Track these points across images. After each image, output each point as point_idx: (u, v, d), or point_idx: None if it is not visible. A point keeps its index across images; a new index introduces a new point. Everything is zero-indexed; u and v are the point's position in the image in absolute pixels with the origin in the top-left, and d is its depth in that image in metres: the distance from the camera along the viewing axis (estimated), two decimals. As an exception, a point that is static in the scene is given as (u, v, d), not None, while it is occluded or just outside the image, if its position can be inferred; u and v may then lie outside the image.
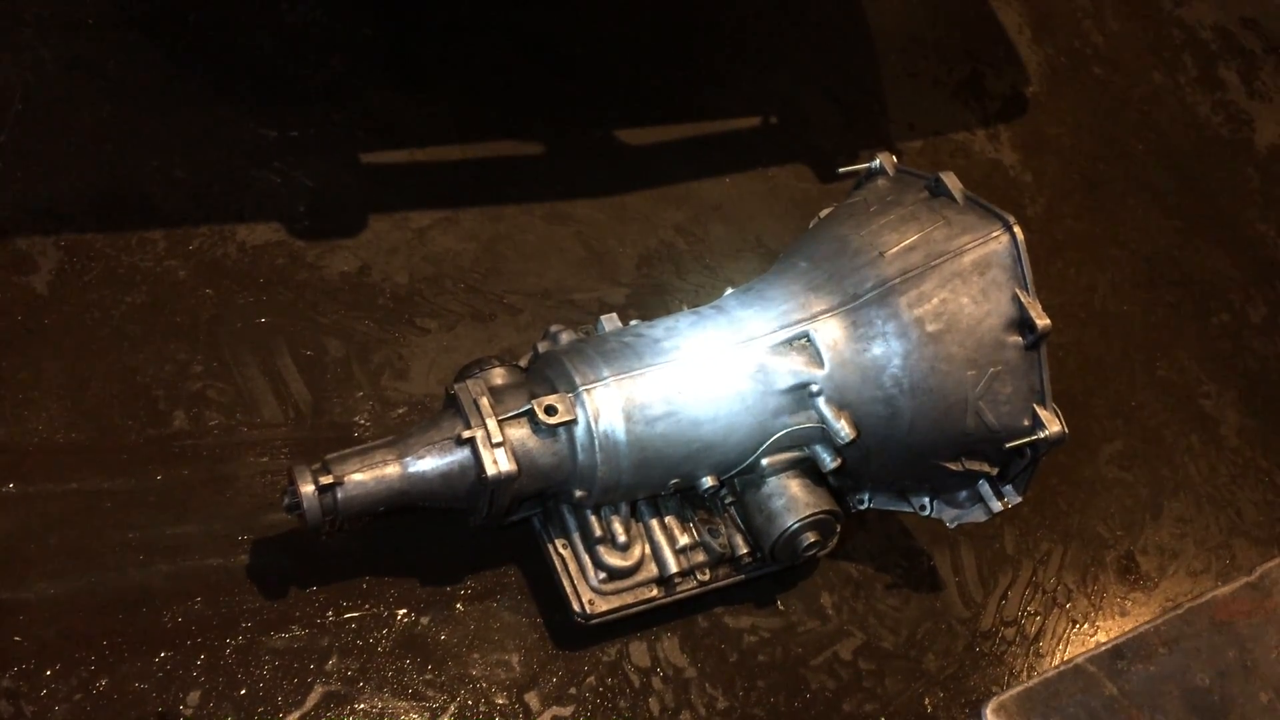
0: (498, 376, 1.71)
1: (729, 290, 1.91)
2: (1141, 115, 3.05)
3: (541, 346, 1.80)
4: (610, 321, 1.81)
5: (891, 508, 1.93)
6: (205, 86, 2.15)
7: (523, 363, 1.83)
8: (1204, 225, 2.85)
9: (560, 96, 2.43)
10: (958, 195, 1.79)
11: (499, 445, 1.57)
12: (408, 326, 1.99)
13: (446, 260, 2.10)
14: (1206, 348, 2.59)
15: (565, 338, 1.79)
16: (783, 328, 1.72)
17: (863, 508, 1.93)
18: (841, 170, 1.97)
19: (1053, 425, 1.71)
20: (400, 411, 1.89)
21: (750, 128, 2.59)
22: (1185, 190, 2.91)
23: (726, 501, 1.79)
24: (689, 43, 2.68)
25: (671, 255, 2.28)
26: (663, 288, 2.22)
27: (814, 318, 1.72)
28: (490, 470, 1.55)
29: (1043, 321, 1.68)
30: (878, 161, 1.95)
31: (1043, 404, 1.72)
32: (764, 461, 1.74)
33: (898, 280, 1.70)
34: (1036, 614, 2.05)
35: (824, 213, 1.99)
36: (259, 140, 2.11)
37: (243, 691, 1.57)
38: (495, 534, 1.76)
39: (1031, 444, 1.72)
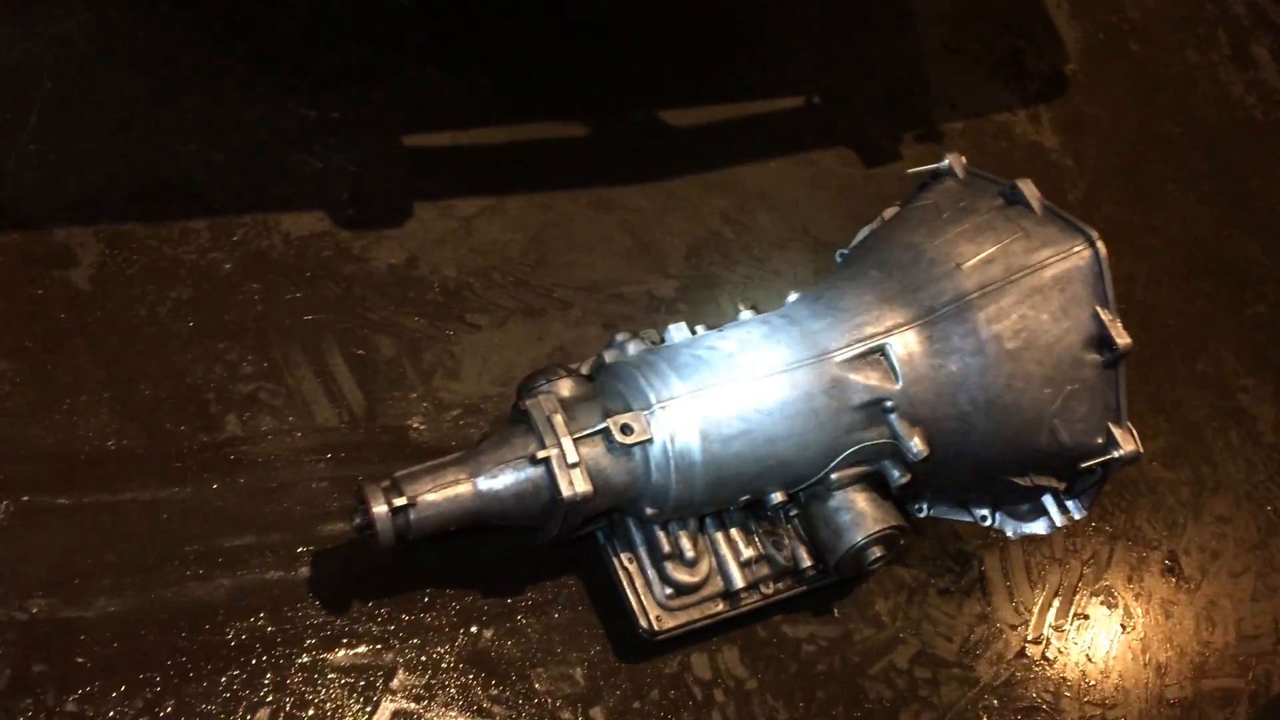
0: (565, 388, 1.66)
1: (793, 295, 1.87)
2: (1177, 96, 3.00)
3: (608, 356, 1.75)
4: (679, 331, 1.76)
5: (951, 516, 1.91)
6: (240, 63, 2.06)
7: (584, 369, 1.79)
8: (1238, 212, 2.82)
9: (603, 75, 2.35)
10: (1035, 204, 1.75)
11: (574, 466, 1.52)
12: (458, 323, 1.93)
13: (494, 251, 2.03)
14: (1244, 340, 2.58)
15: (633, 348, 1.74)
16: (857, 342, 1.68)
17: (921, 515, 1.91)
18: (910, 171, 1.92)
19: (1127, 444, 1.69)
20: (454, 414, 1.84)
21: (793, 108, 2.52)
22: (1220, 175, 2.88)
23: (791, 514, 1.77)
24: (731, 20, 2.59)
25: (719, 245, 2.22)
26: (711, 280, 2.17)
27: (889, 332, 1.68)
28: (566, 492, 1.51)
29: (1123, 340, 1.65)
30: (947, 162, 1.90)
31: (1118, 422, 1.70)
32: (832, 476, 1.71)
33: (976, 295, 1.66)
34: (1086, 618, 2.04)
35: (888, 213, 1.94)
36: (299, 121, 2.03)
37: (311, 712, 1.53)
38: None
39: (1104, 463, 1.70)
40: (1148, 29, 3.09)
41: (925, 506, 1.91)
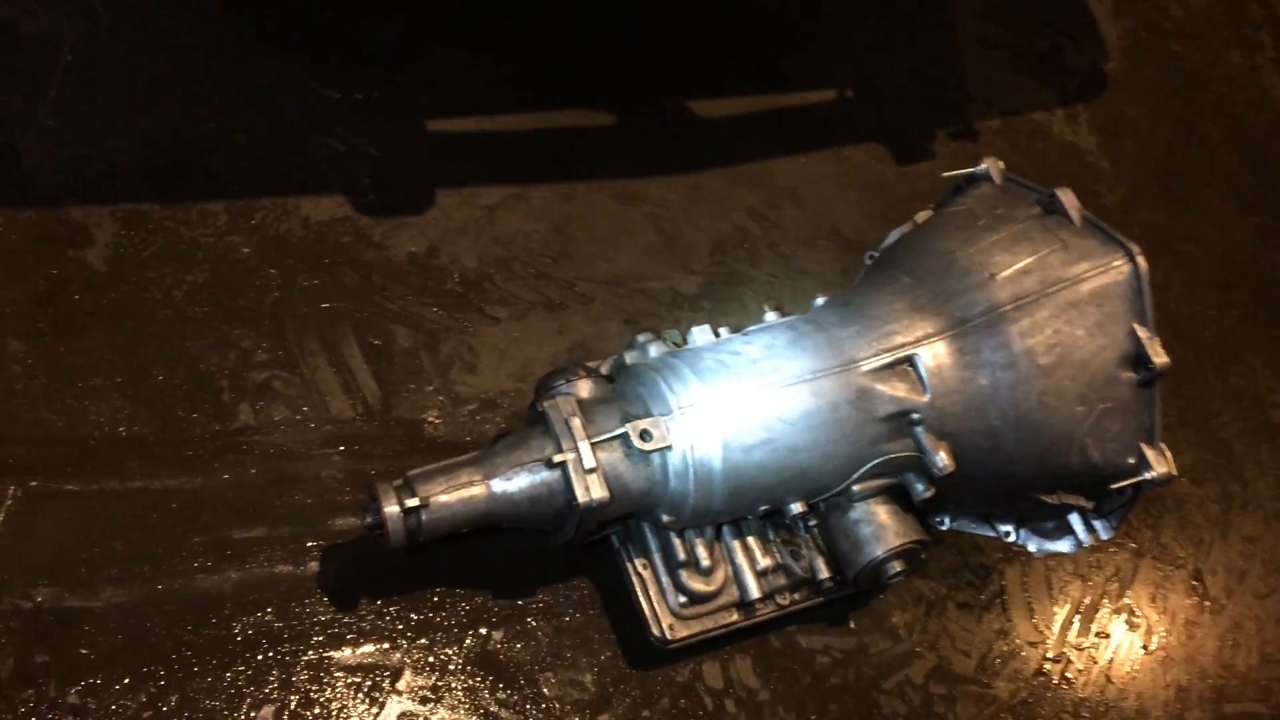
0: (584, 389, 1.62)
1: (819, 299, 1.82)
2: (1219, 98, 2.93)
3: (629, 357, 1.71)
4: (702, 334, 1.72)
5: (973, 530, 1.87)
6: (263, 39, 2.02)
7: (604, 369, 1.75)
8: (1279, 222, 2.76)
9: (632, 62, 2.30)
10: (1075, 215, 1.70)
11: (591, 471, 1.49)
12: (477, 314, 1.90)
13: (516, 242, 1.99)
14: (1279, 354, 2.52)
15: (654, 350, 1.70)
16: (885, 351, 1.63)
17: (943, 528, 1.87)
18: (945, 175, 1.87)
19: (1160, 466, 1.64)
20: (471, 408, 1.81)
21: (825, 101, 2.46)
22: (1261, 182, 2.81)
23: (810, 524, 1.73)
24: (765, 10, 2.53)
25: (745, 241, 2.18)
26: (737, 277, 2.12)
27: (919, 342, 1.64)
28: (583, 498, 1.47)
29: (1161, 360, 1.60)
30: (983, 166, 1.84)
31: (1151, 443, 1.65)
32: (854, 487, 1.67)
33: (1010, 307, 1.61)
34: (1107, 637, 2.00)
35: (920, 216, 1.89)
36: (321, 102, 1.99)
37: (316, 710, 1.51)
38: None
39: (1135, 484, 1.66)
40: (1191, 29, 3.01)
41: (947, 519, 1.87)
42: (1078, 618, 2.00)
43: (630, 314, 2.00)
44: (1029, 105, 2.68)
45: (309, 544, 1.61)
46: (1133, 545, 2.12)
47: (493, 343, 1.88)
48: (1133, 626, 2.03)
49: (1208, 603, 2.11)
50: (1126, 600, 2.05)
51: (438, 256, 1.92)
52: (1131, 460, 1.65)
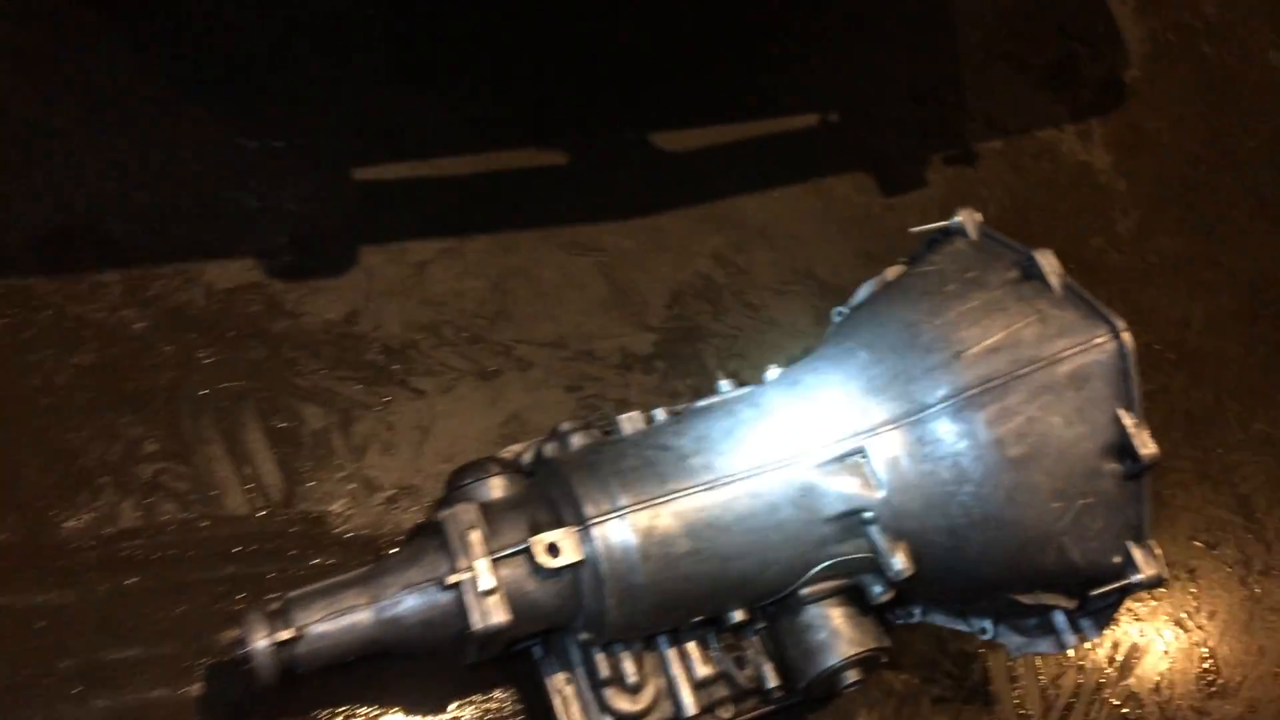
0: (496, 488, 1.46)
1: (772, 371, 1.64)
2: (1252, 105, 2.67)
3: (548, 449, 1.54)
4: (630, 422, 1.53)
5: (946, 624, 1.68)
6: (172, 85, 1.85)
7: (527, 456, 1.58)
8: (1316, 242, 2.50)
9: (588, 90, 2.11)
10: (1055, 282, 1.49)
11: (490, 593, 1.32)
12: (399, 388, 1.73)
13: (448, 303, 1.82)
14: (1310, 396, 2.28)
15: (577, 440, 1.52)
16: (835, 441, 1.45)
17: (913, 621, 1.68)
18: (914, 230, 1.67)
19: (1149, 568, 1.45)
20: (386, 494, 1.65)
21: (807, 127, 2.25)
22: (1297, 198, 2.56)
23: (756, 627, 1.55)
24: (738, 25, 2.32)
25: (708, 291, 1.99)
26: (696, 333, 1.93)
27: (873, 431, 1.45)
28: (477, 624, 1.31)
29: (1149, 451, 1.40)
30: (958, 218, 1.64)
31: (1139, 541, 1.45)
32: (803, 591, 1.49)
33: (977, 390, 1.42)
34: (1102, 731, 1.81)
35: (891, 272, 1.70)
36: (236, 153, 1.82)
37: None
38: (489, 654, 1.53)
39: (1120, 588, 1.46)
40: (1224, 28, 2.74)
41: (918, 613, 1.68)
42: (1073, 708, 1.81)
43: (574, 380, 1.83)
44: (1036, 121, 2.45)
45: (191, 663, 1.46)
46: (1136, 619, 1.92)
47: (416, 420, 1.71)
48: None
49: (1222, 687, 1.91)
50: (1128, 686, 1.85)
51: (358, 323, 1.76)
52: (1117, 559, 1.46)
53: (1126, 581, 1.45)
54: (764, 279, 2.03)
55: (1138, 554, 1.45)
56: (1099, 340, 1.43)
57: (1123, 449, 1.41)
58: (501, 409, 1.76)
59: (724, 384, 1.72)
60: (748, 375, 1.90)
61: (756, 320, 1.98)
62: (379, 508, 1.63)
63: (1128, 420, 1.41)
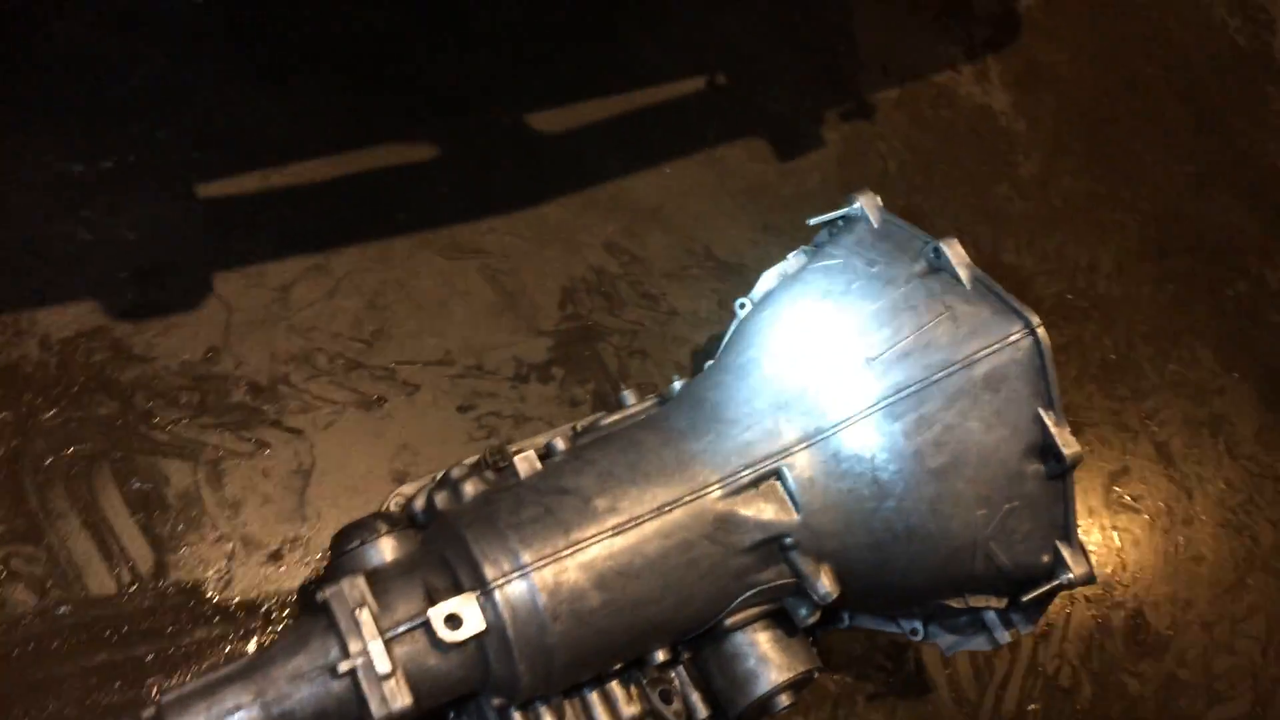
0: (388, 549, 1.34)
1: (677, 382, 1.54)
2: (1154, 31, 2.60)
3: (439, 499, 1.41)
4: (526, 463, 1.41)
5: (876, 628, 1.61)
6: (-17, 107, 1.65)
7: (419, 501, 1.45)
8: (1220, 167, 2.46)
9: (455, 69, 1.94)
10: (964, 274, 1.40)
11: (387, 676, 1.21)
12: (273, 429, 1.58)
13: (319, 328, 1.66)
14: (1221, 329, 2.25)
15: (470, 489, 1.39)
16: (746, 466, 1.35)
17: (843, 627, 1.61)
18: (811, 221, 1.56)
19: (1079, 566, 1.39)
20: (269, 551, 1.51)
21: (692, 92, 2.11)
22: (1200, 125, 2.51)
23: (682, 657, 1.47)
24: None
25: (602, 284, 1.86)
26: (593, 332, 1.81)
27: (786, 452, 1.35)
28: (379, 712, 1.20)
29: (1072, 450, 1.34)
30: (858, 204, 1.54)
31: (1067, 540, 1.39)
32: (726, 621, 1.41)
33: (892, 400, 1.33)
34: (1038, 705, 1.78)
35: (791, 264, 1.59)
36: (60, 180, 1.63)
37: None
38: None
39: (1050, 589, 1.40)
40: (1116, -54, 2.66)
41: (846, 618, 1.60)
42: (1007, 685, 1.77)
43: (466, 399, 1.70)
44: (932, 65, 2.34)
45: (66, 772, 1.33)
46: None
47: (295, 463, 1.57)
48: (1065, 689, 1.80)
49: (1151, 642, 1.89)
50: (1060, 658, 1.82)
51: (218, 362, 1.60)
52: (1045, 558, 1.40)
53: (1057, 582, 1.39)
54: (661, 264, 1.91)
55: (1067, 553, 1.39)
56: (1014, 338, 1.35)
57: (1045, 449, 1.35)
58: (390, 440, 1.63)
59: (627, 395, 1.62)
60: (651, 373, 1.81)
61: (656, 312, 1.87)
62: (262, 568, 1.50)
63: (1049, 419, 1.34)
